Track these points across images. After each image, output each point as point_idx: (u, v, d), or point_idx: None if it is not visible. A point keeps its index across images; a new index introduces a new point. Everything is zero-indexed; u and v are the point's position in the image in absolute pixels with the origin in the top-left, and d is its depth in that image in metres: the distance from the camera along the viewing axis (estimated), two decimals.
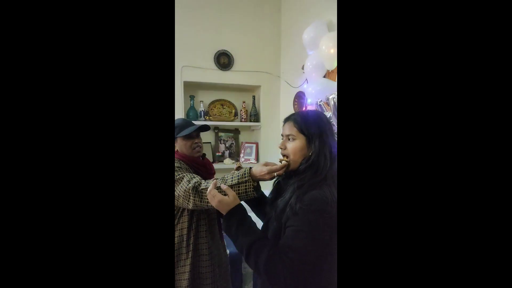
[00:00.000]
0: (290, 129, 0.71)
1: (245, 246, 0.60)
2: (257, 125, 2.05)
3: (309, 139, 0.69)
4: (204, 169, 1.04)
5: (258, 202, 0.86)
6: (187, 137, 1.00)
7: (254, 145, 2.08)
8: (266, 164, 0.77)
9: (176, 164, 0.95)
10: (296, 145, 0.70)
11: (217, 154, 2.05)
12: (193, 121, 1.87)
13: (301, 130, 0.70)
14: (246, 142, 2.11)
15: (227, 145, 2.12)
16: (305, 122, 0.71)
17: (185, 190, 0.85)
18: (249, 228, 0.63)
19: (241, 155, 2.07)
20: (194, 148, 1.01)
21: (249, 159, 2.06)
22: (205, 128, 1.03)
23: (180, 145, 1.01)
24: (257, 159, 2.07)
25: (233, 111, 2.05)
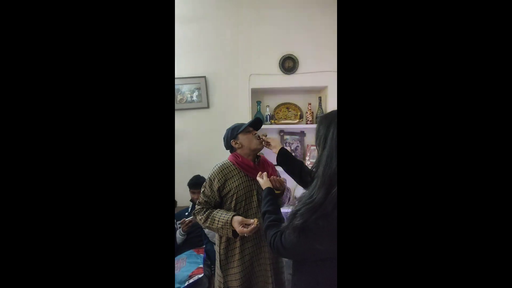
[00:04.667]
0: None
1: (261, 214, 0.80)
2: None
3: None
4: (255, 172, 1.08)
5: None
6: (246, 131, 1.11)
7: None
8: (242, 222, 1.00)
9: (215, 175, 1.11)
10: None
11: None
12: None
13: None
14: (312, 145, 2.06)
15: (292, 148, 2.12)
16: (318, 125, 0.64)
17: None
18: (267, 202, 0.83)
19: (307, 157, 2.04)
20: (257, 138, 1.11)
21: None
22: (258, 122, 1.14)
23: (243, 140, 1.12)
24: None
25: (299, 113, 2.04)
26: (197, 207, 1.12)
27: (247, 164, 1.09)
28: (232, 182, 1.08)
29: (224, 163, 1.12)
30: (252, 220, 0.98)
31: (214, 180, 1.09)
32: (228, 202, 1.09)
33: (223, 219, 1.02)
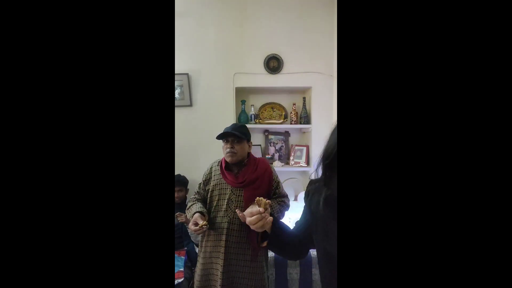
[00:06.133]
0: None
1: None
2: (308, 128, 1.99)
3: None
4: (227, 178, 1.12)
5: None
6: (224, 140, 1.11)
7: (305, 148, 2.03)
8: (194, 220, 1.03)
9: (209, 167, 1.19)
10: None
11: (266, 156, 2.08)
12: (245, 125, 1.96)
13: None
14: (296, 145, 2.07)
15: (276, 148, 2.12)
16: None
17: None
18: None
19: (291, 158, 2.05)
20: (227, 153, 1.10)
21: (299, 162, 2.01)
22: (226, 134, 1.09)
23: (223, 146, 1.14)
24: (307, 162, 2.01)
25: (283, 113, 2.04)
26: (191, 197, 1.22)
27: (223, 169, 1.14)
28: (213, 181, 1.14)
29: (216, 161, 1.20)
30: (202, 222, 1.01)
31: (204, 174, 1.20)
32: (208, 199, 1.16)
33: (191, 212, 1.10)
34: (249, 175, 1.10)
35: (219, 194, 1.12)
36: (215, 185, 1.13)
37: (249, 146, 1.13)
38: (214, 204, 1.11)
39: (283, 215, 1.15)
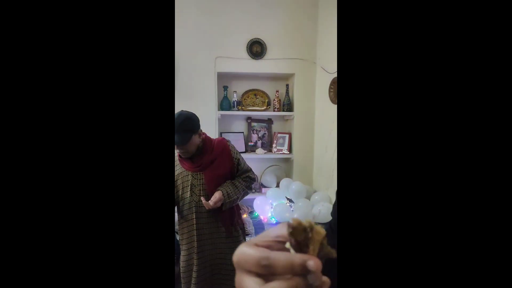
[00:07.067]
0: None
1: None
2: (291, 115, 2.00)
3: None
4: (186, 164, 1.13)
5: None
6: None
7: (287, 136, 2.04)
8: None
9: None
10: None
11: (249, 144, 2.07)
12: (227, 111, 1.92)
13: None
14: (279, 132, 2.08)
15: (259, 135, 2.12)
16: None
17: None
18: None
19: (274, 145, 2.06)
20: (179, 153, 1.11)
21: (281, 150, 2.03)
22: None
23: None
24: (290, 149, 2.03)
25: (266, 100, 2.02)
26: None
27: (180, 158, 1.14)
28: (176, 171, 1.15)
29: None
30: None
31: None
32: (175, 189, 1.17)
33: None
34: (206, 157, 1.11)
35: (182, 182, 1.13)
36: (178, 174, 1.14)
37: (199, 135, 1.10)
38: (180, 193, 1.13)
39: (250, 189, 1.20)
